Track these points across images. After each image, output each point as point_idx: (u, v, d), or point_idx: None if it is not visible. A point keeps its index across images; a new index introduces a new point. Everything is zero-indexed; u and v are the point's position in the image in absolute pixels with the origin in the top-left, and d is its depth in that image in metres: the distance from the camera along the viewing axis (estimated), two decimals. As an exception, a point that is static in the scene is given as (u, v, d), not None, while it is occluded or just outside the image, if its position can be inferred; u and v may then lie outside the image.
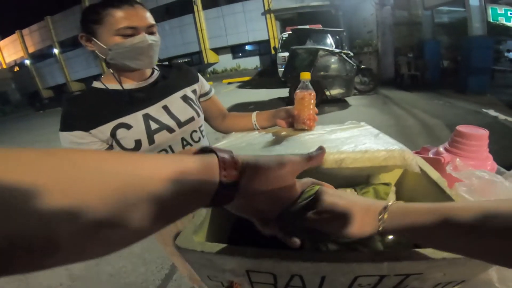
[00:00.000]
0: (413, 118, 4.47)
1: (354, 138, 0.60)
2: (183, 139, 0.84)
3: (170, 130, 0.80)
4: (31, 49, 22.33)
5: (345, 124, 0.77)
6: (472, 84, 5.82)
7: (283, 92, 7.15)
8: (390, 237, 0.48)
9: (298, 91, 0.74)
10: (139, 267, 1.96)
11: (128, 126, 0.74)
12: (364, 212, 0.36)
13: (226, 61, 16.90)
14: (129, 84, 0.79)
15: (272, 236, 0.41)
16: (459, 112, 4.62)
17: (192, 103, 0.87)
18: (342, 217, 0.36)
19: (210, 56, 16.46)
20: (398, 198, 0.66)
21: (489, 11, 6.13)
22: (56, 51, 20.47)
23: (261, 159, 0.34)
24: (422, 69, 6.99)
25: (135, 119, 0.75)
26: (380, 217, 0.35)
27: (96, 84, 0.78)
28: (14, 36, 22.93)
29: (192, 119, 0.85)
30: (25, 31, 22.11)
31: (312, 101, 0.75)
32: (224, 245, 0.43)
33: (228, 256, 0.43)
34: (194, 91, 0.91)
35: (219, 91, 10.36)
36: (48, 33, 20.37)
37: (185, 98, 0.86)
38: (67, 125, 0.71)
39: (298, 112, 0.75)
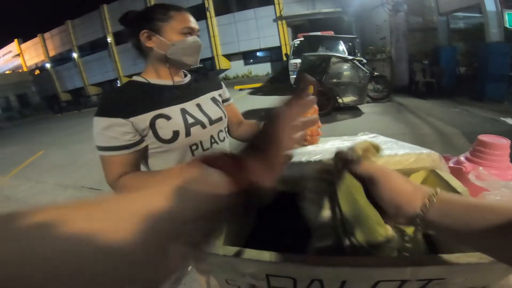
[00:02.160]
0: (428, 127, 4.38)
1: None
2: (212, 136, 0.90)
3: (203, 125, 0.85)
4: (51, 53, 23.14)
5: (359, 135, 0.78)
6: (489, 91, 5.65)
7: (295, 99, 7.10)
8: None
9: None
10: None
11: (167, 117, 0.79)
12: (414, 187, 0.36)
13: (237, 67, 17.07)
14: (168, 81, 0.86)
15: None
16: (476, 120, 4.49)
17: (220, 105, 0.95)
18: (394, 178, 0.37)
19: (222, 62, 16.68)
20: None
21: (506, 17, 5.98)
22: (75, 55, 21.15)
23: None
24: (437, 76, 6.82)
25: (174, 111, 0.81)
26: (427, 200, 0.34)
27: (136, 78, 0.84)
28: (36, 40, 23.73)
29: (220, 118, 0.92)
30: (47, 34, 22.94)
31: (315, 115, 0.73)
32: (246, 249, 0.44)
33: (249, 260, 0.43)
34: (220, 95, 0.99)
35: (231, 97, 10.36)
36: (68, 37, 21.10)
37: (214, 100, 0.94)
38: (106, 111, 0.74)
39: None
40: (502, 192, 0.50)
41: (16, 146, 8.40)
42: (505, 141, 0.66)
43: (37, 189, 4.10)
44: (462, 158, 0.71)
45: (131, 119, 0.74)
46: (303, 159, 0.58)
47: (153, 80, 0.84)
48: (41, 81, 24.12)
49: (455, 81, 7.12)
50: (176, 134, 0.79)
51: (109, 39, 18.98)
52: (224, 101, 1.02)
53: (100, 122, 0.74)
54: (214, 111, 0.90)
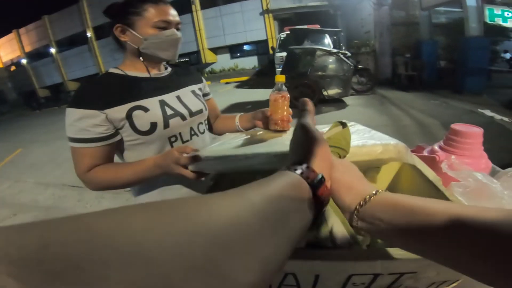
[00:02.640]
0: (410, 118, 4.49)
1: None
2: (191, 128, 0.90)
3: (183, 117, 0.85)
4: (27, 48, 22.16)
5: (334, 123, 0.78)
6: (469, 84, 5.85)
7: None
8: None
9: (272, 93, 0.77)
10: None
11: (145, 109, 0.78)
12: (355, 179, 0.36)
13: (224, 61, 16.86)
14: (146, 74, 0.85)
15: None
16: (455, 112, 4.64)
17: (200, 98, 0.95)
18: (338, 167, 0.36)
19: (208, 56, 16.42)
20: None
21: (486, 12, 6.14)
22: (53, 50, 20.33)
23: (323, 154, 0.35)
24: (419, 69, 7.00)
25: (152, 103, 0.80)
26: (365, 197, 0.33)
27: (113, 70, 0.83)
28: (11, 35, 22.70)
29: (201, 111, 0.91)
30: (22, 30, 21.91)
31: (285, 103, 0.77)
32: None
33: None
34: (200, 89, 0.99)
35: (217, 90, 10.31)
36: (45, 32, 20.21)
37: (194, 93, 0.94)
38: (79, 103, 0.72)
39: (271, 114, 0.78)
40: (469, 182, 0.50)
41: (-8, 144, 8.04)
42: (477, 130, 0.66)
43: (17, 188, 3.94)
44: (436, 147, 0.71)
45: (106, 110, 0.73)
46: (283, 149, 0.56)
47: (131, 72, 0.82)
48: (18, 77, 23.09)
49: (436, 75, 7.32)
50: (154, 125, 0.79)
51: (89, 34, 18.30)
52: (203, 95, 1.02)
53: (72, 113, 0.72)
54: (194, 104, 0.90)
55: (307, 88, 5.64)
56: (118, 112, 0.75)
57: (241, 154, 0.56)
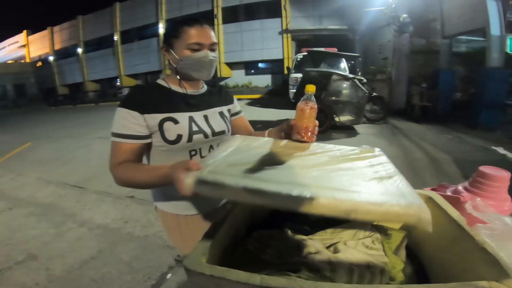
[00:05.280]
0: (421, 151, 4.41)
1: (367, 175, 0.56)
2: (211, 146, 0.97)
3: (206, 135, 0.92)
4: (57, 46, 23.24)
5: (359, 148, 0.74)
6: (484, 119, 5.68)
7: (292, 114, 7.11)
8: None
9: (300, 102, 0.77)
10: (125, 275, 1.90)
11: (175, 121, 0.87)
12: None
13: (238, 77, 17.18)
14: (185, 90, 0.95)
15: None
16: (468, 148, 4.55)
17: (226, 120, 1.03)
18: None
19: (223, 70, 16.77)
20: (412, 236, 0.62)
21: (507, 42, 5.87)
22: (79, 50, 21.22)
23: None
24: (434, 100, 6.87)
25: (182, 117, 0.89)
26: None
27: (160, 82, 0.95)
28: (45, 32, 23.90)
29: (223, 132, 0.99)
30: (56, 28, 23.14)
31: (313, 114, 0.76)
32: (235, 270, 0.43)
33: (238, 282, 0.41)
34: (228, 110, 1.08)
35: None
36: (76, 32, 21.25)
37: (221, 114, 1.02)
38: (129, 104, 0.84)
39: (295, 123, 0.79)
40: (496, 225, 0.49)
41: (4, 135, 8.28)
42: (505, 174, 0.66)
43: (18, 182, 3.99)
44: (460, 187, 0.72)
45: (145, 115, 0.84)
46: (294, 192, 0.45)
47: (173, 86, 0.93)
48: (42, 73, 24.11)
49: (451, 107, 7.16)
50: (179, 137, 0.87)
51: (115, 37, 19.10)
52: (235, 114, 1.11)
53: (120, 112, 0.84)
54: (219, 125, 0.98)
55: (319, 112, 5.59)
56: (153, 119, 0.85)
57: (248, 187, 0.47)
